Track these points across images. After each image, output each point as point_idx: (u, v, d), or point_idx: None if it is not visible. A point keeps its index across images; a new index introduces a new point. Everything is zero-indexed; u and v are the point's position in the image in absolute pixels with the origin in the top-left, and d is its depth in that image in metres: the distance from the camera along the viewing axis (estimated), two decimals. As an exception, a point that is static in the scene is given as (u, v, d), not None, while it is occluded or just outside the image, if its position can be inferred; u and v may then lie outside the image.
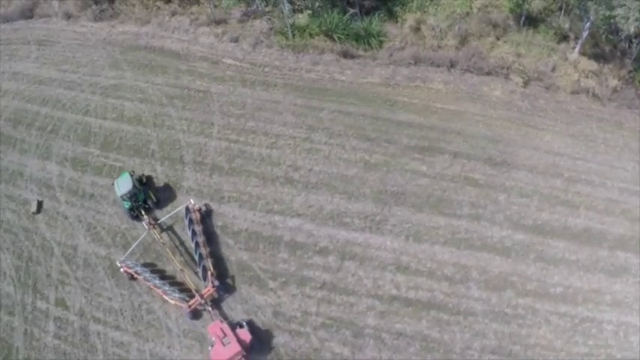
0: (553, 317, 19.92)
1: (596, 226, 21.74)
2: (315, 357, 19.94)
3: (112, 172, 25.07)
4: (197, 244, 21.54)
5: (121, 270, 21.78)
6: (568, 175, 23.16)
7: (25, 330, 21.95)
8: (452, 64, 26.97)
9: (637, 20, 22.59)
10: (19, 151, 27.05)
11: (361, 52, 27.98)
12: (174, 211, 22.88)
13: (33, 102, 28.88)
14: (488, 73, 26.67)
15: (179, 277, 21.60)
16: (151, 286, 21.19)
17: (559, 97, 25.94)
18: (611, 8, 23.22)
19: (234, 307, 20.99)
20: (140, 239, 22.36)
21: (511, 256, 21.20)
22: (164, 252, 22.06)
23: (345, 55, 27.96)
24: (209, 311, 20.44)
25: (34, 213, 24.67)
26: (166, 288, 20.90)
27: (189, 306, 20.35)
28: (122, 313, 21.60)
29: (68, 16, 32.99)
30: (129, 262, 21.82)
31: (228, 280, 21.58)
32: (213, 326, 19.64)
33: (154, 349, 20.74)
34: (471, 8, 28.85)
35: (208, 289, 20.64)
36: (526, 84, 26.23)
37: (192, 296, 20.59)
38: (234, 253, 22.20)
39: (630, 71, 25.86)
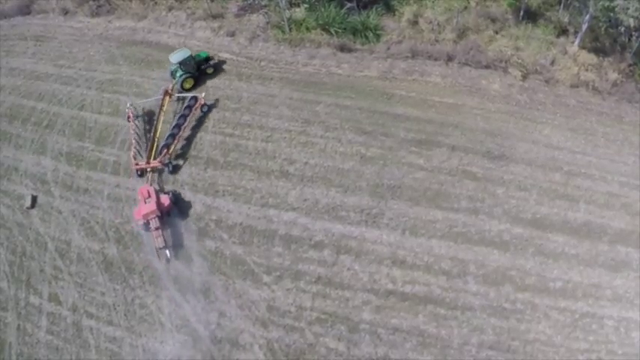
0: (552, 312, 19.51)
1: (596, 220, 21.37)
2: (310, 352, 19.61)
3: (107, 167, 24.83)
4: (178, 126, 24.35)
5: (127, 110, 25.36)
6: (567, 168, 22.81)
7: (19, 325, 21.68)
8: (450, 58, 26.64)
9: (637, 11, 22.32)
10: (14, 146, 26.85)
11: (358, 46, 27.68)
12: (189, 94, 26.05)
13: (29, 97, 28.70)
14: (487, 67, 26.32)
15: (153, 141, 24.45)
16: (130, 134, 24.66)
17: (558, 90, 25.58)
18: (611, -1, 22.97)
19: (228, 301, 20.73)
20: (155, 97, 26.13)
21: (509, 250, 20.85)
22: (158, 118, 25.23)
23: (342, 48, 27.68)
24: (148, 177, 23.55)
25: (28, 208, 24.45)
26: (136, 144, 24.34)
27: (137, 164, 23.61)
28: (115, 308, 21.35)
29: (65, 12, 32.91)
30: (133, 109, 25.36)
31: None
32: (142, 188, 22.41)
33: (146, 344, 20.47)
34: (469, 2, 28.50)
35: (158, 160, 23.65)
36: (525, 77, 25.89)
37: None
38: (228, 247, 21.95)
39: (630, 65, 25.44)
